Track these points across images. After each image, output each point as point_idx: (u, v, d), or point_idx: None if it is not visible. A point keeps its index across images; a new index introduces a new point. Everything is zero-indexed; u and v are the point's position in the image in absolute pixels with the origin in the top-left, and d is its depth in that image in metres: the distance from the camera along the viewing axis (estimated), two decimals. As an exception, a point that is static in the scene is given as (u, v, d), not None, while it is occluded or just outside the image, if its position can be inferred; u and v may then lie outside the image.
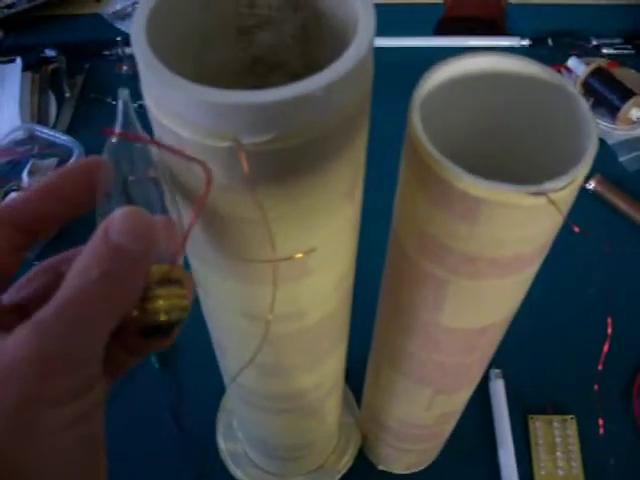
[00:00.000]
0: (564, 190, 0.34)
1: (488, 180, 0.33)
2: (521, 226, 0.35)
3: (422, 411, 0.57)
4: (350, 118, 0.30)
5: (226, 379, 0.54)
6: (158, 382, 0.81)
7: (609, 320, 0.62)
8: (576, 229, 0.36)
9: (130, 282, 0.28)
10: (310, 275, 0.37)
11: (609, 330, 0.63)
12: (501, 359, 0.80)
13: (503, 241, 0.36)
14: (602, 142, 1.04)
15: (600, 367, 0.69)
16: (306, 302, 0.40)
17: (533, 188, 0.33)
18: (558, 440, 0.78)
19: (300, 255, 0.35)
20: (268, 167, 0.29)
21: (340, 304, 0.43)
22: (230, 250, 0.34)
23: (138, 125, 0.31)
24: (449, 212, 0.36)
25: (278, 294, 0.38)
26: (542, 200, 0.34)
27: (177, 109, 0.28)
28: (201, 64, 0.36)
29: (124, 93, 0.31)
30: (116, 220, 0.28)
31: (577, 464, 0.77)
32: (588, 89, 1.06)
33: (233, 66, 0.38)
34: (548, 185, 0.33)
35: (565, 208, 0.36)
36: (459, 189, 0.34)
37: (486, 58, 0.38)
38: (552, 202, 0.34)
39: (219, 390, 0.75)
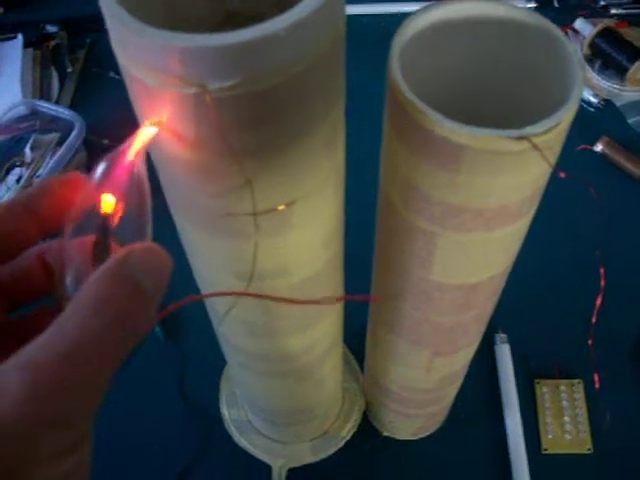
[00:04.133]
0: (547, 134, 0.33)
1: (469, 125, 0.32)
2: (505, 174, 0.35)
3: (422, 374, 0.57)
4: (320, 62, 0.29)
5: (221, 342, 0.54)
6: (162, 352, 0.81)
7: (602, 270, 0.60)
8: (562, 174, 0.35)
9: (140, 328, 0.25)
10: (294, 230, 0.36)
11: (602, 282, 0.62)
12: (507, 323, 0.79)
13: (487, 190, 0.35)
14: (610, 104, 1.03)
15: (594, 320, 0.68)
16: (291, 259, 0.39)
17: (515, 132, 0.32)
18: (565, 404, 0.78)
19: (282, 207, 0.34)
20: (238, 114, 0.29)
21: (328, 264, 0.42)
22: (208, 203, 0.34)
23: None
24: (431, 161, 0.35)
25: (261, 250, 0.37)
26: (525, 145, 0.33)
27: (142, 56, 0.28)
28: (175, 19, 0.35)
29: None
30: (138, 253, 0.25)
31: (584, 428, 0.76)
32: (596, 50, 1.04)
33: (208, 22, 0.37)
34: (530, 129, 0.32)
35: (551, 154, 0.35)
36: (439, 136, 0.33)
37: (467, 4, 0.37)
38: (535, 147, 0.33)
39: (222, 359, 0.74)
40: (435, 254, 0.41)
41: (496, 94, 0.41)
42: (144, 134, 0.31)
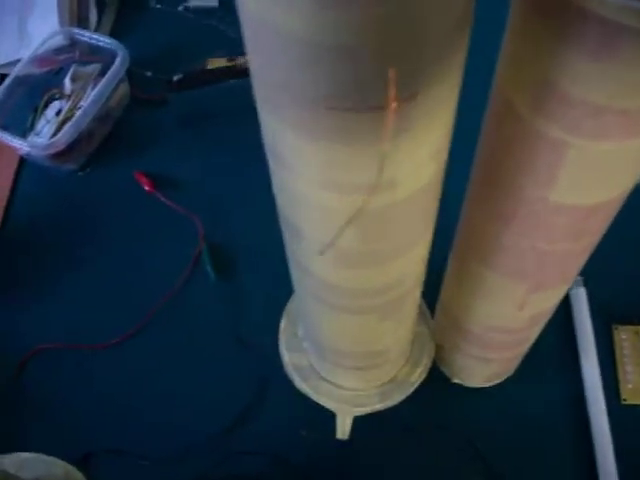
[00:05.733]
0: None
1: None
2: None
3: (513, 311, 0.52)
4: None
5: (296, 274, 0.49)
6: (215, 294, 0.77)
7: None
8: None
9: None
10: (407, 132, 0.31)
11: None
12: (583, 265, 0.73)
13: (643, 85, 0.30)
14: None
15: None
16: (399, 169, 0.33)
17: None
18: (646, 352, 0.73)
19: (397, 103, 0.29)
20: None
21: (434, 178, 0.37)
22: (315, 94, 0.28)
23: None
24: (578, 47, 0.29)
25: (367, 158, 0.32)
26: None
27: None
28: None
29: None
30: None
31: (667, 377, 0.71)
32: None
33: None
34: None
35: None
36: (594, 13, 0.27)
37: None
38: None
39: (280, 300, 0.70)
40: (562, 168, 0.36)
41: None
42: None
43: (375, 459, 0.68)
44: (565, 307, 0.75)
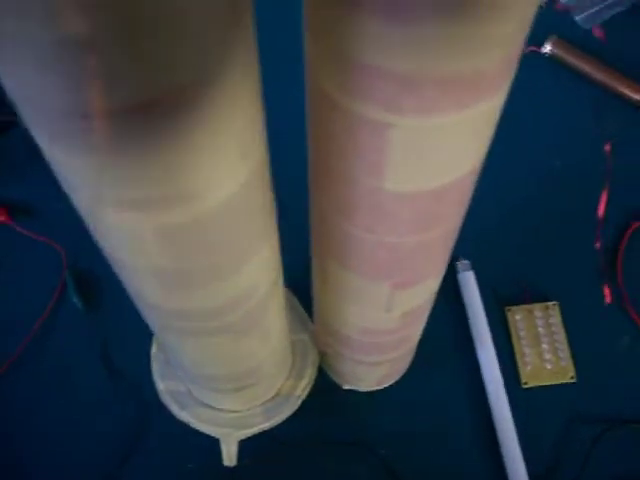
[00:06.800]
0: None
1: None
2: (483, 18, 0.25)
3: (382, 313, 0.48)
4: None
5: (137, 303, 0.44)
6: (84, 325, 0.70)
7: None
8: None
9: None
10: (200, 129, 0.26)
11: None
12: (468, 249, 0.70)
13: (461, 46, 0.26)
14: (555, 1, 0.93)
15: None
16: (200, 175, 0.29)
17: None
18: (541, 331, 0.70)
19: (178, 93, 0.24)
20: None
21: (250, 182, 0.32)
22: (48, 97, 0.23)
23: None
24: (370, 7, 0.25)
25: (154, 164, 0.27)
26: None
27: None
28: None
29: None
30: None
31: (565, 355, 0.69)
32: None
33: None
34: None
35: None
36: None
37: None
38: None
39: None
40: (387, 153, 0.31)
41: None
42: None
43: (268, 483, 0.63)
44: (454, 294, 0.71)
